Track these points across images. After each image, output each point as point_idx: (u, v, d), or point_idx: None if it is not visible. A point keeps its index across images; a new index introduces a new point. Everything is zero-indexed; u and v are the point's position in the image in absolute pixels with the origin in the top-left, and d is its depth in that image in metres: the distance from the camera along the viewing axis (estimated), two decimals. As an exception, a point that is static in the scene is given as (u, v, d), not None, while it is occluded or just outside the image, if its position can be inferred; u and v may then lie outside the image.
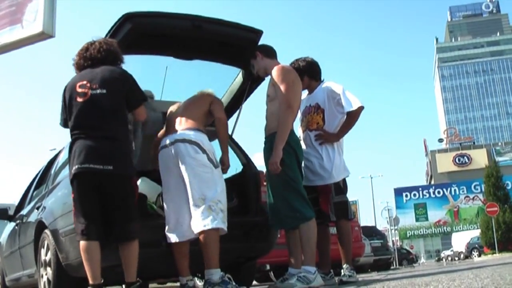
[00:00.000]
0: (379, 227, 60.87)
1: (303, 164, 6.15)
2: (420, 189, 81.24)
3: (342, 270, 6.29)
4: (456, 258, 60.30)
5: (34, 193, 8.37)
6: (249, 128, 6.19)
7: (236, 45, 6.37)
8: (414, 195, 79.45)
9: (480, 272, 5.46)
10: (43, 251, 6.34)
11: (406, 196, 79.45)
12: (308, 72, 6.54)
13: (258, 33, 6.33)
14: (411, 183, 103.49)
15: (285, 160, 5.66)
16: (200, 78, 6.91)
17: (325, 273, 6.24)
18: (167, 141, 5.52)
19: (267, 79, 6.13)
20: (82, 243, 4.90)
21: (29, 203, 8.23)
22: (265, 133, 6.01)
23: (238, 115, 6.97)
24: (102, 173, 4.89)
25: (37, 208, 6.95)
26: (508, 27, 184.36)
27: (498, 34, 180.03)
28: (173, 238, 5.46)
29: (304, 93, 6.61)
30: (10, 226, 8.84)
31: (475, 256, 47.70)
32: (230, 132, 6.92)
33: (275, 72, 5.88)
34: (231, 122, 7.04)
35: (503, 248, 38.91)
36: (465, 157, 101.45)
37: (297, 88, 5.93)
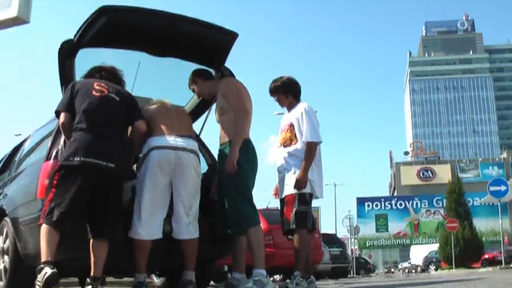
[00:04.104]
0: (340, 235, 61.05)
1: (279, 179, 6.66)
2: (382, 200, 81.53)
3: (291, 276, 6.38)
4: (413, 271, 60.81)
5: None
6: (217, 128, 6.29)
7: (211, 46, 6.40)
8: (376, 205, 79.76)
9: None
10: (1, 239, 6.30)
11: (368, 206, 79.78)
12: (292, 91, 6.84)
13: (234, 35, 6.37)
14: (374, 194, 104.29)
15: (242, 166, 5.90)
16: (172, 75, 6.94)
17: (304, 277, 6.36)
18: (170, 143, 5.57)
19: None
20: (45, 226, 4.91)
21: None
22: (220, 141, 6.26)
23: (207, 115, 7.00)
24: (103, 170, 4.99)
25: None
26: (482, 46, 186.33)
27: (471, 52, 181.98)
28: (143, 235, 5.51)
29: (285, 111, 6.97)
30: None
31: (432, 270, 48.17)
32: (198, 132, 7.01)
33: (224, 85, 6.26)
34: (199, 122, 7.16)
35: (460, 263, 39.31)
36: (429, 172, 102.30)
37: (246, 94, 6.23)
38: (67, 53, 5.84)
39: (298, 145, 6.54)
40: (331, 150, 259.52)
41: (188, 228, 5.65)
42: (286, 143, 6.66)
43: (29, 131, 7.65)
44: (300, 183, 6.35)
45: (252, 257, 5.91)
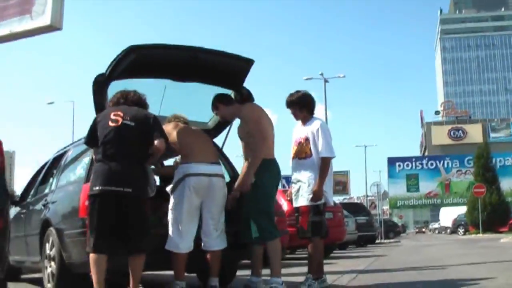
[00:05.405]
0: (370, 196, 61.34)
1: (294, 188, 7.20)
2: (413, 159, 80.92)
3: (305, 278, 7.06)
4: (443, 232, 61.22)
5: (40, 186, 8.98)
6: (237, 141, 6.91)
7: (230, 72, 7.08)
8: (407, 165, 79.19)
9: None
10: (47, 246, 7.06)
11: (399, 166, 79.24)
12: (306, 106, 7.28)
13: (250, 62, 7.07)
14: (405, 154, 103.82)
15: (262, 185, 6.63)
16: (196, 97, 7.61)
17: (316, 279, 7.00)
18: (204, 171, 6.42)
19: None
20: (92, 255, 5.64)
21: (35, 195, 8.90)
22: (244, 159, 6.93)
23: (229, 130, 7.72)
24: (121, 195, 5.66)
25: (44, 205, 7.62)
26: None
27: (503, 9, 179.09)
28: (182, 248, 6.35)
29: (299, 124, 7.40)
30: (14, 210, 9.26)
31: (460, 233, 48.69)
32: (220, 146, 7.78)
33: (246, 111, 6.86)
34: (221, 136, 7.91)
35: (488, 228, 39.79)
36: (460, 131, 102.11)
37: (265, 120, 6.83)
38: (100, 85, 6.56)
39: (313, 158, 7.05)
40: (361, 111, 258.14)
41: (217, 241, 6.51)
42: (301, 156, 7.16)
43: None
44: (316, 196, 6.93)
45: (270, 267, 6.62)
